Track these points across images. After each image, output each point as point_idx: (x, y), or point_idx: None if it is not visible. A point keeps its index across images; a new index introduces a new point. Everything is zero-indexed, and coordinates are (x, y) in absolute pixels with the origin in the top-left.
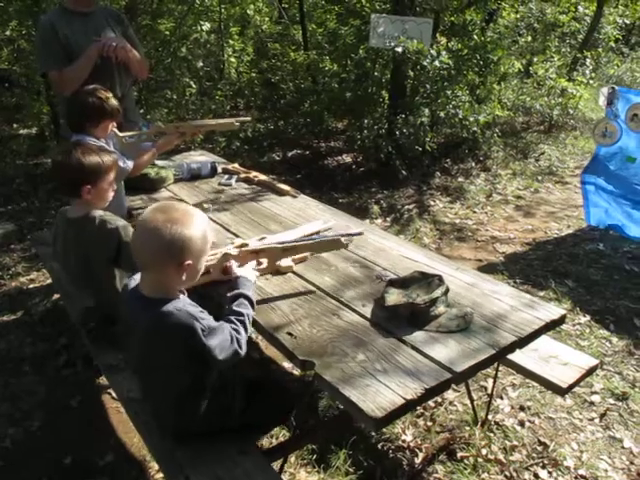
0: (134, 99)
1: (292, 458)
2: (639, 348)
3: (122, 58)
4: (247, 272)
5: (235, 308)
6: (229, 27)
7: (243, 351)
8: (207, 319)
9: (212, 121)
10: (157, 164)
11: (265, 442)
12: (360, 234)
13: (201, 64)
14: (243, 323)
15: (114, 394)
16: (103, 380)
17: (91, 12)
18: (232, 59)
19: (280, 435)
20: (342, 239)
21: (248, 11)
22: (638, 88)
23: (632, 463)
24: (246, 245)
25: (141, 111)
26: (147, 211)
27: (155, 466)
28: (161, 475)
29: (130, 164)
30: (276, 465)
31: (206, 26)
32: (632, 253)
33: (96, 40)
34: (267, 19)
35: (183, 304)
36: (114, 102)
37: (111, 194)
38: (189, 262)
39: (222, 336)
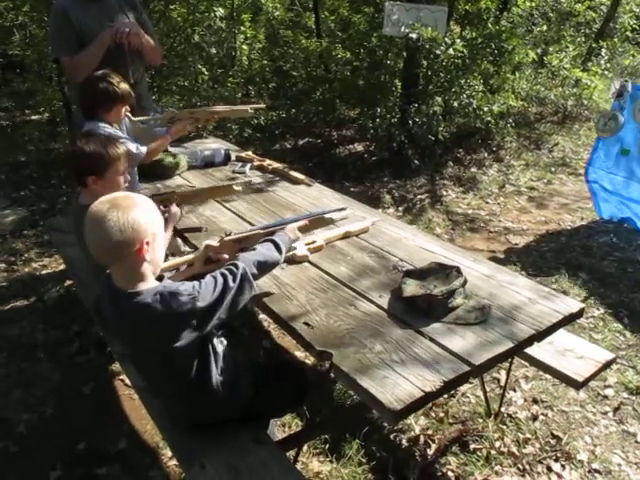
0: (147, 86)
1: (305, 447)
2: None
3: (135, 44)
4: (289, 228)
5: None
6: (241, 14)
7: (235, 284)
8: (187, 286)
9: (226, 107)
10: (170, 151)
11: (279, 431)
12: (344, 209)
13: (214, 51)
14: (259, 256)
15: (127, 381)
16: (116, 367)
17: None
18: (244, 46)
19: (293, 424)
20: (325, 216)
21: None
22: None
23: None
24: None
25: (153, 97)
26: (90, 208)
27: (168, 453)
28: (174, 462)
29: (143, 150)
30: (290, 455)
31: (219, 12)
32: None
33: (109, 26)
34: (279, 6)
35: (163, 287)
36: (125, 86)
37: (123, 183)
38: (147, 240)
39: (210, 286)
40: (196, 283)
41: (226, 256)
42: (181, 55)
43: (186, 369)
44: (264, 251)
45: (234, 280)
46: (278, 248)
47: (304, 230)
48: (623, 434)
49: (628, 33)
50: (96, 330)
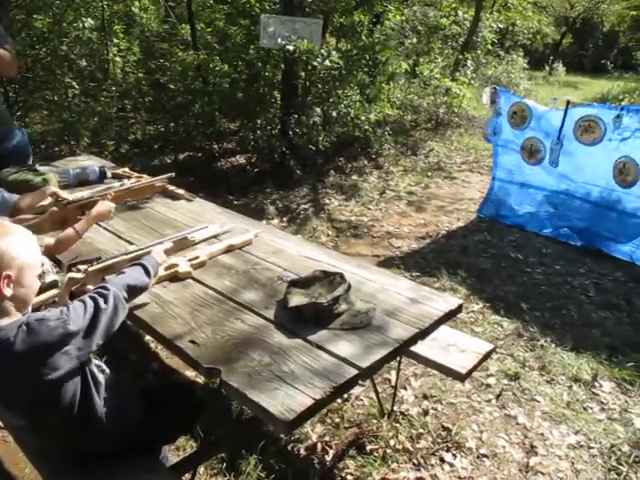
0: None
1: (201, 469)
2: (527, 330)
3: None
4: (155, 251)
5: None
6: (113, 25)
7: (107, 305)
8: (53, 312)
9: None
10: (39, 170)
11: (172, 455)
12: (206, 227)
13: (84, 63)
14: (128, 279)
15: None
16: None
17: None
18: (117, 58)
19: (187, 446)
20: (188, 236)
21: (133, 8)
22: (513, 89)
23: (526, 437)
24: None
25: (18, 114)
26: None
27: None
28: None
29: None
30: (186, 478)
31: (88, 23)
32: (516, 242)
33: None
34: (153, 17)
35: (27, 317)
36: None
37: None
38: (8, 273)
39: (80, 310)
40: (63, 308)
41: (91, 287)
42: (48, 68)
43: (65, 402)
44: (134, 274)
45: (106, 302)
46: (147, 271)
47: (170, 252)
48: (505, 418)
49: (489, 46)
50: None
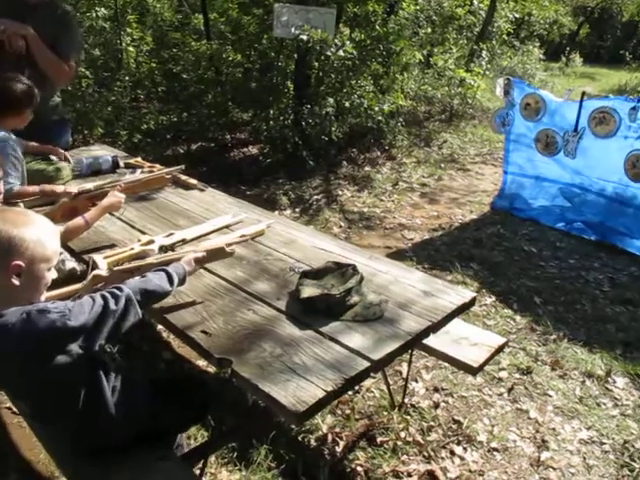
0: (46, 99)
1: (212, 458)
2: (540, 324)
3: (17, 47)
4: (186, 260)
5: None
6: (126, 14)
7: (117, 307)
8: (58, 304)
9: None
10: (53, 159)
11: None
12: (246, 240)
13: (98, 53)
14: (147, 284)
15: (15, 409)
16: (1, 394)
17: (35, 6)
18: (130, 48)
19: (199, 436)
20: (227, 249)
21: None
22: (529, 80)
23: (537, 431)
24: (152, 242)
25: None
26: None
27: None
28: None
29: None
30: (197, 467)
31: (102, 12)
32: (529, 235)
33: None
34: (166, 7)
35: (32, 305)
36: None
37: None
38: (17, 263)
39: (86, 306)
40: (69, 302)
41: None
42: None
43: (72, 394)
44: (154, 280)
45: (116, 303)
46: (170, 279)
47: (202, 262)
48: (517, 412)
49: (504, 36)
50: None
